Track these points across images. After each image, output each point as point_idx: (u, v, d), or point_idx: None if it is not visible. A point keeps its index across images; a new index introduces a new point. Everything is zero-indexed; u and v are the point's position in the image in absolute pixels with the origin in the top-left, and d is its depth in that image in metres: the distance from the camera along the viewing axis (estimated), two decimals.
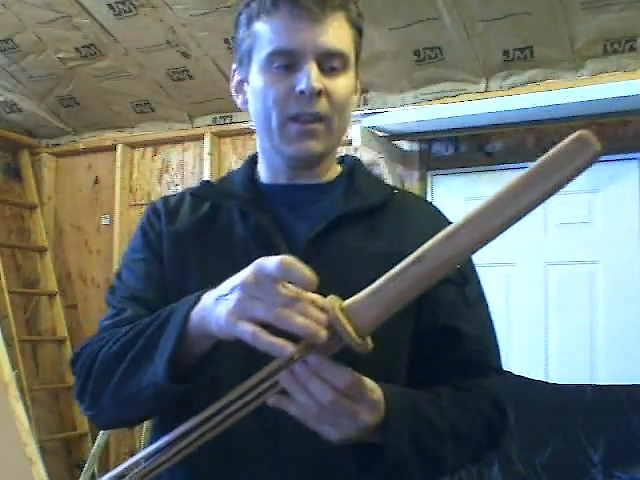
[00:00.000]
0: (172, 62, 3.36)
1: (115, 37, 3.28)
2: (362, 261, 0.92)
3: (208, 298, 0.76)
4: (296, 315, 0.67)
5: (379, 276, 0.69)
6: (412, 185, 3.15)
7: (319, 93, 0.89)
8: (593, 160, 0.57)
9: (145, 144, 3.89)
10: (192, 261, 0.96)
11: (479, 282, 1.00)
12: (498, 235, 0.60)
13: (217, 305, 0.73)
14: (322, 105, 0.91)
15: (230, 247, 0.95)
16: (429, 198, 3.14)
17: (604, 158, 2.91)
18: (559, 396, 2.41)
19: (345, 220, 0.94)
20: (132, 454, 4.00)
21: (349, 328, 0.66)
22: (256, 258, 0.76)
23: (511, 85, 2.96)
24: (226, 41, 3.17)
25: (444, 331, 0.94)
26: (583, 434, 2.31)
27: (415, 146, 3.19)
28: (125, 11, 3.11)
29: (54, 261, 4.01)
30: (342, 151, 1.09)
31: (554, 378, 2.67)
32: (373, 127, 3.01)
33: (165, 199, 1.05)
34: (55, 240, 4.10)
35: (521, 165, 2.99)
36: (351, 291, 0.71)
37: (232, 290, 0.71)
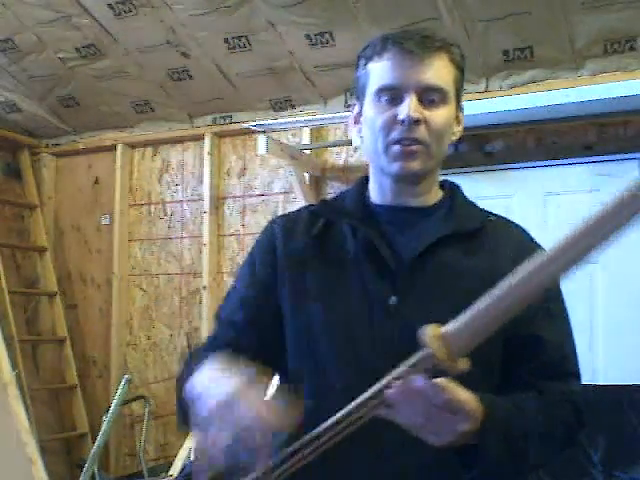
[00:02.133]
0: (172, 62, 3.37)
1: (115, 37, 3.28)
2: (458, 277, 1.04)
3: None
4: None
5: (471, 290, 0.83)
6: None
7: (417, 121, 1.03)
8: None
9: (145, 144, 3.89)
10: (312, 275, 1.09)
11: (562, 301, 1.11)
12: (572, 268, 0.71)
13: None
14: (421, 132, 1.04)
15: (343, 260, 1.08)
16: None
17: (604, 158, 2.91)
18: None
19: (444, 241, 1.06)
20: (132, 454, 3.98)
21: (441, 352, 0.77)
22: (367, 271, 1.05)
23: (511, 85, 2.96)
24: (226, 41, 3.17)
25: (527, 339, 1.04)
26: (583, 434, 2.31)
27: None
28: (125, 11, 3.11)
29: (54, 261, 4.01)
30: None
31: None
32: None
33: (282, 218, 1.21)
34: (55, 240, 4.10)
35: (521, 165, 3.00)
36: (448, 302, 0.91)
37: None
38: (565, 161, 2.94)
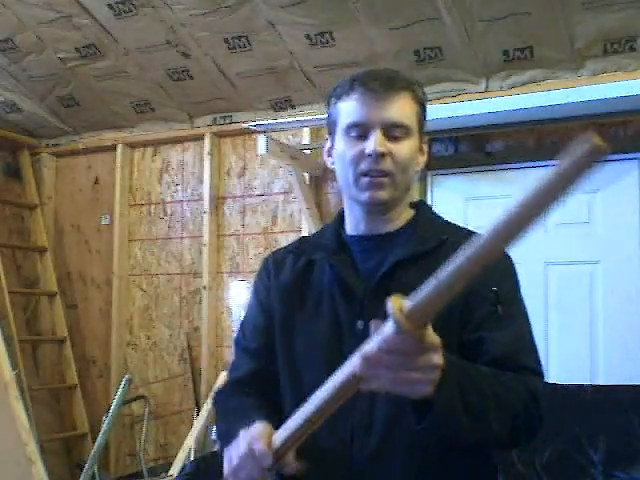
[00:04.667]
0: (172, 62, 3.37)
1: (115, 37, 3.28)
2: None
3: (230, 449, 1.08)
4: None
5: None
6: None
7: (382, 155, 1.13)
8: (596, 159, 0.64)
9: (145, 144, 3.89)
10: (297, 308, 1.21)
11: (518, 301, 1.15)
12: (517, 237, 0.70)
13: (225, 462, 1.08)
14: (386, 164, 1.14)
15: (321, 292, 1.20)
16: (429, 198, 3.14)
17: (604, 158, 2.91)
18: (559, 396, 2.41)
19: (405, 263, 1.15)
20: (132, 454, 3.98)
21: (399, 315, 0.79)
22: (338, 299, 1.16)
23: (511, 85, 2.96)
24: (226, 41, 3.17)
25: (476, 341, 1.08)
26: (583, 434, 2.31)
27: None
28: (125, 11, 3.11)
29: (54, 261, 4.01)
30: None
31: (554, 378, 2.67)
32: None
33: (273, 255, 1.32)
34: (55, 240, 4.11)
35: (521, 165, 3.00)
36: None
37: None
38: None
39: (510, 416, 1.01)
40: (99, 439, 3.14)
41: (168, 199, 3.83)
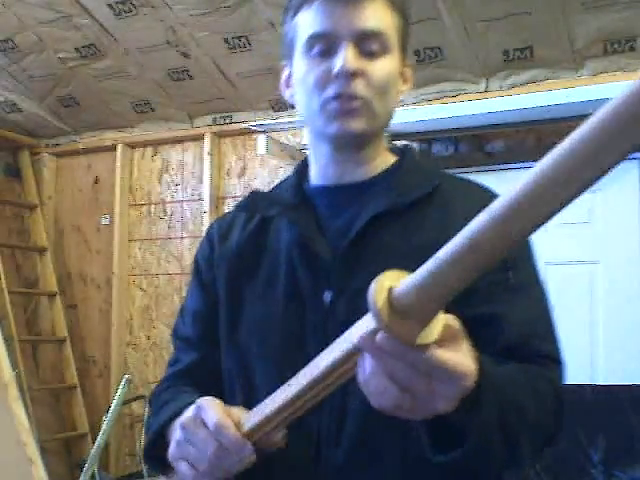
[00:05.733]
0: (172, 62, 3.37)
1: (115, 37, 3.28)
2: (403, 257, 0.80)
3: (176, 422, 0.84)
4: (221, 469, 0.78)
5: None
6: None
7: (354, 74, 0.89)
8: None
9: (145, 144, 3.89)
10: (246, 279, 0.96)
11: (531, 266, 0.91)
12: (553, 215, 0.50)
13: (173, 434, 0.84)
14: (359, 86, 0.90)
15: (276, 260, 0.95)
16: None
17: None
18: None
19: (385, 218, 0.90)
20: (132, 454, 3.97)
21: (382, 309, 0.57)
22: (299, 266, 0.91)
23: (511, 85, 2.96)
24: (226, 41, 3.17)
25: (483, 319, 0.83)
26: (583, 434, 2.31)
27: (415, 146, 3.19)
28: (125, 11, 3.11)
29: (54, 261, 4.01)
30: None
31: None
32: None
33: (218, 221, 1.07)
34: (55, 240, 4.11)
35: (521, 165, 3.00)
36: None
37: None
38: None
39: (544, 436, 0.81)
40: (99, 439, 3.14)
41: (168, 199, 3.83)
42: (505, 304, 0.85)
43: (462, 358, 0.62)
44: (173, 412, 0.88)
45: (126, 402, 3.45)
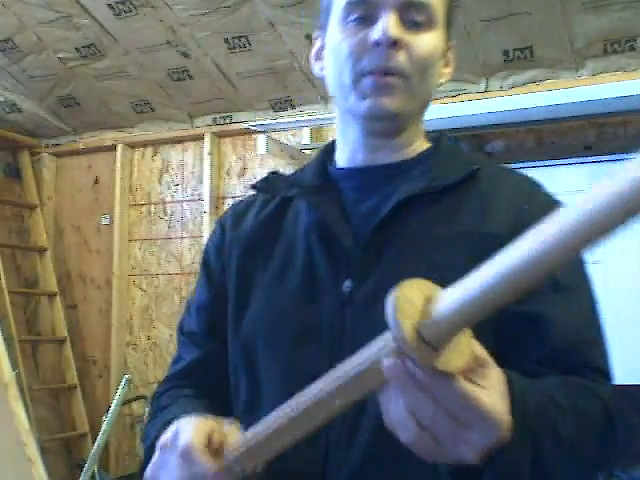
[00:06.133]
0: (172, 62, 3.36)
1: (115, 37, 3.28)
2: (434, 249, 0.78)
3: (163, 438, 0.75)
4: None
5: (453, 265, 0.63)
6: None
7: (395, 44, 0.79)
8: None
9: (145, 144, 3.89)
10: (259, 265, 0.88)
11: (581, 267, 0.84)
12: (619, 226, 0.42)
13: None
14: (400, 59, 0.80)
15: (292, 245, 0.86)
16: None
17: (604, 158, 2.91)
18: None
19: (416, 202, 0.81)
20: (132, 454, 3.97)
21: (412, 336, 0.48)
22: (317, 252, 0.82)
23: (511, 85, 2.96)
24: (226, 41, 3.17)
25: (527, 319, 0.74)
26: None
27: None
28: (125, 11, 3.11)
29: (54, 261, 4.01)
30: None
31: None
32: None
33: (233, 205, 0.99)
34: (55, 240, 4.10)
35: (521, 165, 3.00)
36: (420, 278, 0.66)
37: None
38: (565, 161, 2.94)
39: (587, 466, 0.71)
40: (99, 439, 3.14)
41: (168, 199, 3.83)
42: (553, 305, 0.76)
43: (494, 399, 0.53)
44: (163, 425, 0.79)
45: (126, 402, 3.45)
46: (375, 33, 0.79)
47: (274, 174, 0.95)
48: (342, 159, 0.91)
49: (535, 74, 2.90)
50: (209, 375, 0.91)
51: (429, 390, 0.51)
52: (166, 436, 0.73)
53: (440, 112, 2.89)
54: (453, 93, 3.06)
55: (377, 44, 0.79)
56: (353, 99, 0.83)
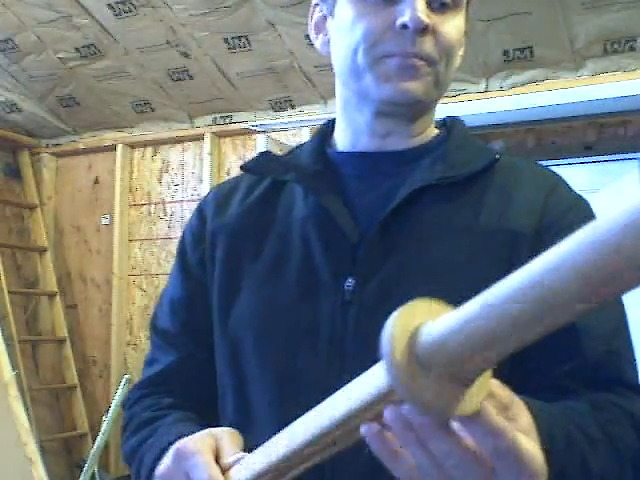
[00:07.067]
0: (172, 62, 3.36)
1: (115, 37, 3.28)
2: (447, 246, 0.72)
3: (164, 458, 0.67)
4: None
5: (467, 266, 0.59)
6: None
7: (425, 29, 0.71)
8: None
9: (145, 144, 3.89)
10: (247, 255, 0.79)
11: None
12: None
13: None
14: (428, 45, 0.72)
15: (287, 235, 0.77)
16: None
17: (604, 158, 2.91)
18: None
19: (430, 193, 0.73)
20: None
21: (406, 375, 0.39)
22: (316, 246, 0.74)
23: (511, 85, 2.96)
24: (226, 41, 3.17)
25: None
26: None
27: None
28: (125, 11, 3.11)
29: (54, 261, 4.01)
30: None
31: None
32: None
33: (215, 189, 0.89)
34: (55, 240, 4.10)
35: None
36: (429, 283, 0.64)
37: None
38: (565, 161, 2.95)
39: None
40: (99, 439, 3.14)
41: (168, 199, 3.83)
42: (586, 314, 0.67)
43: (533, 446, 0.46)
44: (161, 451, 0.70)
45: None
46: (404, 16, 0.70)
47: (266, 154, 0.86)
48: (343, 142, 0.83)
49: (535, 74, 2.90)
50: (186, 381, 0.84)
51: (432, 443, 0.44)
52: (167, 464, 0.65)
53: (440, 112, 2.89)
54: (453, 93, 3.06)
55: (404, 27, 0.71)
56: (370, 81, 0.74)
